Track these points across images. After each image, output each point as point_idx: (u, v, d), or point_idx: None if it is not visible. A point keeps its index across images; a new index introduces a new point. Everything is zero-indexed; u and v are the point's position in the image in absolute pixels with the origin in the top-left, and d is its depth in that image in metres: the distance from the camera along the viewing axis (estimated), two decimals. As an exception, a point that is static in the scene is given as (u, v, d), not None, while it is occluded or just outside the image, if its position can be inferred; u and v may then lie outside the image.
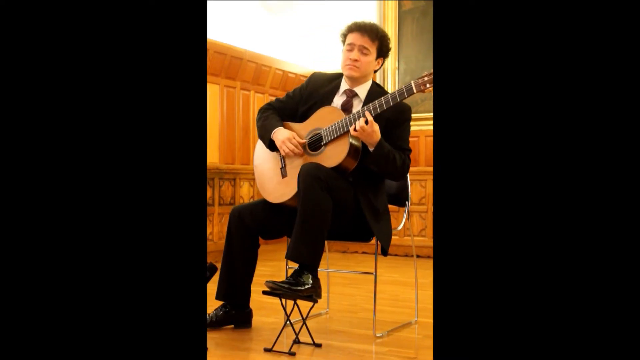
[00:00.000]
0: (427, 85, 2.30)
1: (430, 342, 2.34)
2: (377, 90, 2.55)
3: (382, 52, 2.54)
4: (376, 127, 2.32)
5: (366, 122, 2.29)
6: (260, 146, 2.64)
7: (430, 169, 5.23)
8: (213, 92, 5.55)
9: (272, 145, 2.55)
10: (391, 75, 6.21)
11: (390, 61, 6.24)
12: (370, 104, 2.36)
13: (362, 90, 2.54)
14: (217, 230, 4.84)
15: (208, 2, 4.99)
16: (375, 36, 2.50)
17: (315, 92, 2.59)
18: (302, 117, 2.57)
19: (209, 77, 5.43)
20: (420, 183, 5.20)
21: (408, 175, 2.75)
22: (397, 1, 6.28)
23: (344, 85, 2.57)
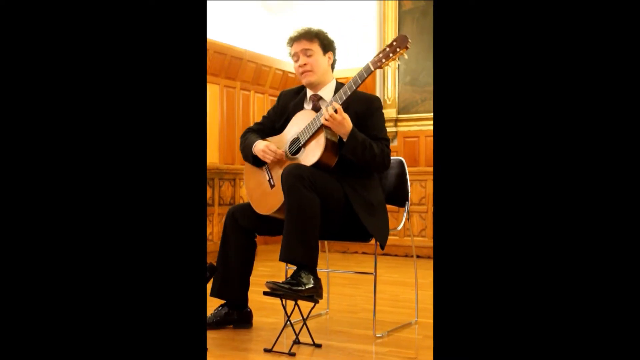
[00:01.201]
0: (384, 61, 2.34)
1: (430, 343, 2.34)
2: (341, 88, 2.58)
3: (326, 45, 2.58)
4: (346, 115, 2.35)
5: (335, 111, 2.33)
6: (246, 167, 2.68)
7: (430, 169, 5.23)
8: (213, 92, 5.55)
9: (257, 161, 2.59)
10: (391, 75, 6.22)
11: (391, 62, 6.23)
12: (336, 94, 2.41)
13: (327, 92, 2.58)
14: (217, 230, 4.84)
15: (208, 2, 4.99)
16: (310, 36, 2.55)
17: (286, 107, 2.65)
18: (279, 132, 2.63)
19: (209, 77, 5.43)
20: (420, 183, 5.20)
21: (408, 175, 2.76)
22: (397, 1, 6.28)
23: (309, 93, 2.62)
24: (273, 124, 2.68)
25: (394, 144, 6.09)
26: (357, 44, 6.20)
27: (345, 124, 2.35)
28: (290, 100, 2.66)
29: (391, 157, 2.82)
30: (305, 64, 2.53)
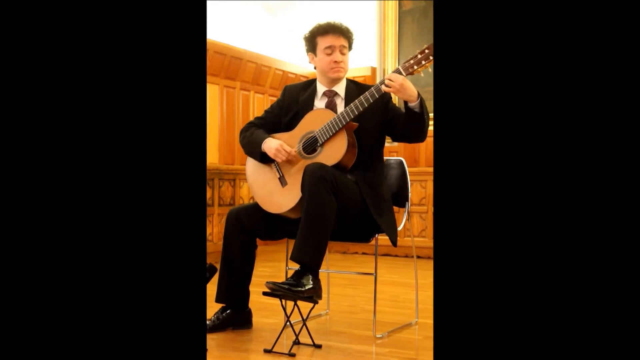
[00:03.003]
0: (415, 67, 2.35)
1: (430, 343, 2.34)
2: (353, 87, 2.59)
3: (351, 46, 2.62)
4: (407, 80, 2.34)
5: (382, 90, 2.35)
6: (250, 163, 2.65)
7: (431, 169, 5.22)
8: (213, 92, 5.54)
9: (264, 158, 2.56)
10: (391, 76, 6.20)
11: (391, 61, 6.23)
12: (366, 93, 2.39)
13: (341, 89, 2.59)
14: (216, 231, 4.83)
15: (208, 2, 4.98)
16: (348, 34, 2.58)
17: (293, 102, 2.62)
18: (286, 128, 2.60)
19: (208, 78, 5.43)
20: (420, 184, 5.20)
21: (408, 175, 2.76)
22: (397, 1, 6.27)
23: (322, 88, 2.60)
24: (277, 119, 2.64)
25: (394, 145, 6.08)
26: (357, 44, 6.19)
27: (408, 85, 2.34)
28: (299, 95, 2.62)
29: (392, 158, 2.84)
30: (341, 61, 2.53)
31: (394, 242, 2.48)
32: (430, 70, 2.40)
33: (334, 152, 2.40)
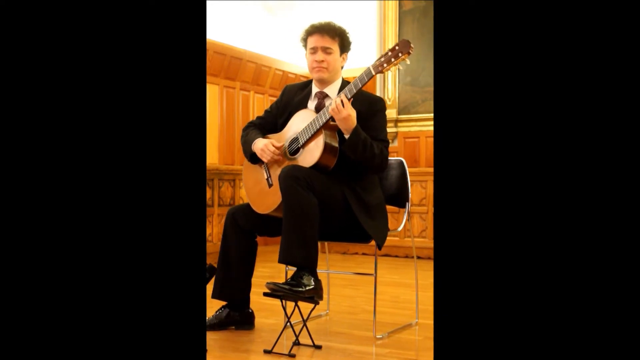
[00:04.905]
0: (385, 65, 2.33)
1: (430, 344, 2.34)
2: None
3: (345, 47, 2.56)
4: (352, 111, 2.32)
5: (343, 104, 2.31)
6: (245, 164, 2.67)
7: (431, 169, 5.22)
8: (213, 92, 5.54)
9: (254, 158, 2.58)
10: (392, 76, 6.21)
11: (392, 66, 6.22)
12: (342, 91, 2.37)
13: (333, 90, 2.56)
14: (216, 231, 4.83)
15: (208, 2, 4.98)
16: (334, 33, 2.52)
17: (289, 102, 2.62)
18: (281, 128, 2.60)
19: (208, 78, 5.43)
20: (420, 184, 5.19)
21: (408, 175, 2.75)
22: (397, 1, 6.27)
23: (315, 89, 2.59)
24: (275, 119, 2.65)
25: (394, 145, 6.08)
26: (357, 44, 6.18)
27: (350, 119, 2.32)
28: (295, 96, 2.62)
29: (392, 158, 2.81)
30: (322, 61, 2.49)
31: (379, 246, 2.47)
32: (401, 67, 2.39)
33: (311, 153, 2.40)
